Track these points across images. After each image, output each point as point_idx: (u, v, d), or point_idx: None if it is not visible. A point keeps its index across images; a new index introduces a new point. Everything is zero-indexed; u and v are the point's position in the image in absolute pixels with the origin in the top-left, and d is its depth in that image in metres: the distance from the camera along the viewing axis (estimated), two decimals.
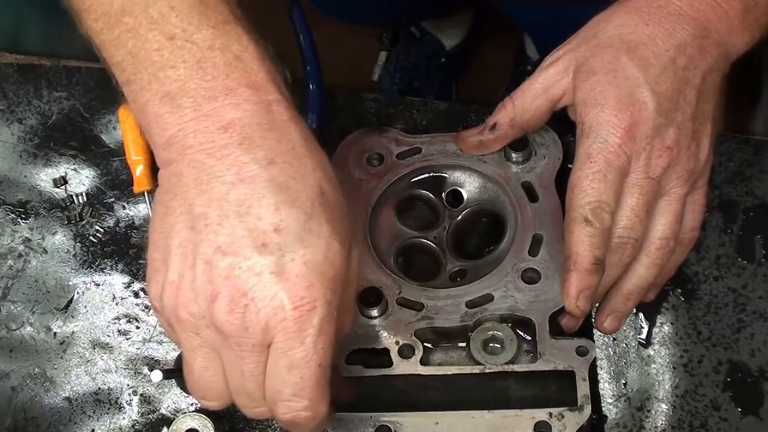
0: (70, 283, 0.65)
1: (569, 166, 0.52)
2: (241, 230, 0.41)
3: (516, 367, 0.54)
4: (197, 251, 0.42)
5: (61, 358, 0.63)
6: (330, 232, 0.42)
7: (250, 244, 0.41)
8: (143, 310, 0.64)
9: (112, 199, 0.67)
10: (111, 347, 0.63)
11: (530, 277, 0.56)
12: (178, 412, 0.61)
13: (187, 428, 0.58)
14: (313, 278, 0.41)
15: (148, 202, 0.66)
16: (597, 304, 0.56)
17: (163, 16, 0.43)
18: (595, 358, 0.57)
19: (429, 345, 0.56)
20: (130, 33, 0.43)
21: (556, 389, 0.54)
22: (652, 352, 0.60)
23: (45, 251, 0.66)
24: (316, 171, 0.43)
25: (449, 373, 0.55)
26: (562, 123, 0.56)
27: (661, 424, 0.59)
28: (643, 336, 0.61)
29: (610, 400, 0.59)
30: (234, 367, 0.43)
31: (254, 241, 0.41)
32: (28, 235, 0.66)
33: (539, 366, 0.54)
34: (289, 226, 0.41)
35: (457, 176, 0.62)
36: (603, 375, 0.60)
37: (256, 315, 0.41)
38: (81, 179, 0.68)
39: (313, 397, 0.43)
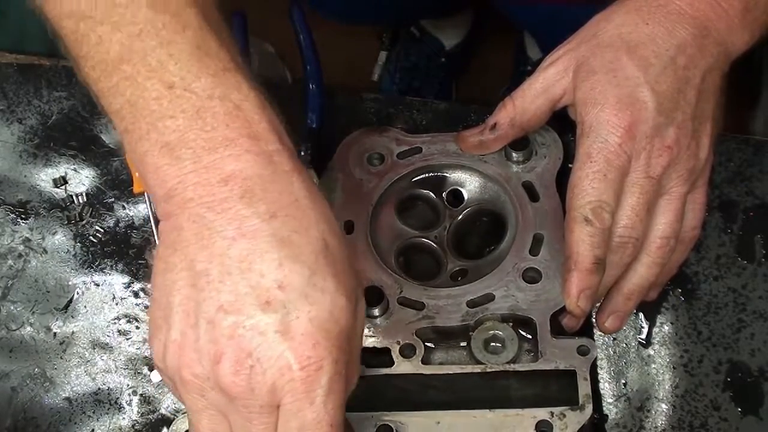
0: (70, 283, 0.65)
1: (570, 165, 0.52)
2: (243, 287, 0.40)
3: (517, 367, 0.54)
4: (200, 309, 0.40)
5: (61, 358, 0.63)
6: (335, 286, 0.41)
7: (253, 302, 0.39)
8: (143, 310, 0.64)
9: (112, 199, 0.67)
10: (111, 347, 0.63)
11: (531, 276, 0.56)
12: (178, 412, 0.61)
13: (187, 428, 0.58)
14: (319, 336, 0.40)
15: (148, 202, 0.66)
16: (598, 304, 0.56)
17: (161, 63, 0.42)
18: (596, 357, 0.57)
19: (430, 344, 0.56)
20: (128, 81, 0.42)
21: (557, 388, 0.54)
22: (652, 352, 0.60)
23: (45, 251, 0.66)
24: (320, 223, 0.42)
25: (450, 372, 0.55)
26: (563, 122, 0.56)
27: (661, 424, 0.59)
28: (643, 336, 0.61)
29: (610, 400, 0.59)
30: (242, 430, 0.41)
31: (258, 298, 0.39)
32: (28, 235, 0.66)
33: (540, 365, 0.54)
34: (293, 283, 0.40)
35: (457, 176, 0.62)
36: (603, 375, 0.60)
37: (263, 376, 0.39)
38: (81, 179, 0.68)
39: None
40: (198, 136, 0.41)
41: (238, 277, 0.40)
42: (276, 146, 0.42)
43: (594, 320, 0.58)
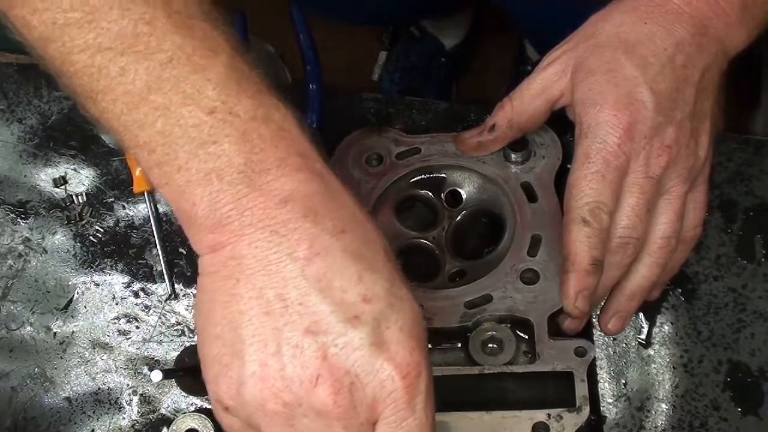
0: (70, 283, 0.65)
1: (568, 166, 0.52)
2: (327, 306, 0.39)
3: (514, 368, 0.54)
4: (281, 337, 0.39)
5: (61, 358, 0.63)
6: (407, 292, 0.41)
7: (340, 319, 0.39)
8: (143, 310, 0.64)
9: (112, 199, 0.67)
10: (111, 347, 0.63)
11: (529, 277, 0.56)
12: (178, 412, 0.61)
13: (187, 428, 0.58)
14: (413, 343, 0.40)
15: (148, 202, 0.66)
16: (600, 305, 0.56)
17: (198, 90, 0.40)
18: (595, 358, 0.57)
19: (428, 345, 0.56)
20: (158, 111, 0.40)
21: (554, 390, 0.54)
22: (652, 352, 0.60)
23: (45, 251, 0.66)
24: (378, 235, 0.42)
25: (448, 373, 0.55)
26: (562, 123, 0.56)
27: (661, 424, 0.59)
28: (643, 336, 0.61)
29: (610, 400, 0.59)
30: None
31: (344, 315, 0.39)
32: (28, 235, 0.66)
33: (538, 367, 0.54)
34: (377, 294, 0.39)
35: (456, 176, 0.62)
36: (603, 375, 0.60)
37: (363, 392, 0.39)
38: (81, 179, 0.68)
39: None
40: (248, 159, 0.39)
41: (319, 297, 0.39)
42: (321, 163, 0.42)
43: (594, 321, 0.58)
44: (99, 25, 0.39)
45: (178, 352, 0.62)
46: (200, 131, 0.39)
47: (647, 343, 0.60)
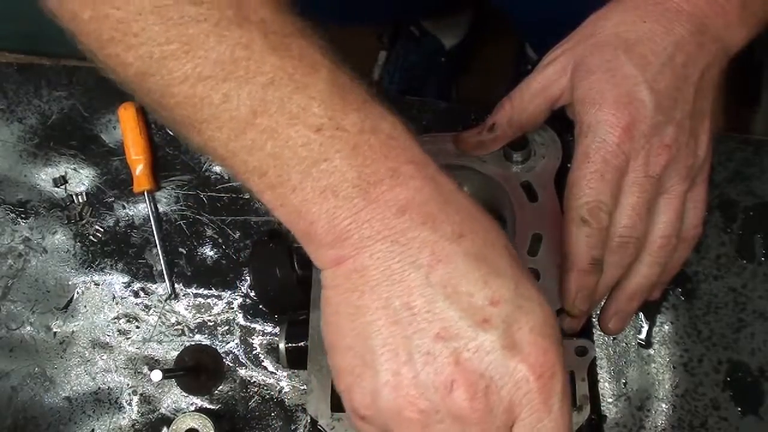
0: (70, 282, 0.65)
1: (568, 165, 0.52)
2: (455, 312, 0.38)
3: None
4: (411, 345, 0.39)
5: (61, 357, 0.63)
6: (536, 292, 0.41)
7: (470, 324, 0.38)
8: (143, 310, 0.64)
9: (112, 199, 0.67)
10: (111, 347, 0.63)
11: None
12: (178, 412, 0.61)
13: (187, 428, 0.58)
14: (546, 343, 0.39)
15: (148, 202, 0.66)
16: (600, 304, 0.56)
17: (303, 108, 0.39)
18: (595, 357, 0.57)
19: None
20: (266, 134, 0.39)
21: None
22: (652, 352, 0.60)
23: (45, 251, 0.66)
24: (499, 234, 0.41)
25: None
26: (562, 122, 0.56)
27: (661, 423, 0.59)
28: (643, 335, 0.61)
29: (610, 400, 0.59)
30: None
31: (474, 319, 0.38)
32: (28, 235, 0.66)
33: None
34: (504, 296, 0.39)
35: (457, 176, 0.61)
36: (603, 374, 0.60)
37: (499, 394, 0.38)
38: (81, 179, 0.68)
39: None
40: (360, 172, 0.39)
41: (446, 303, 0.38)
42: (433, 167, 0.41)
43: (594, 321, 0.58)
44: (197, 54, 0.39)
45: (178, 352, 0.63)
46: (310, 150, 0.39)
47: (647, 342, 0.60)
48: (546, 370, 0.39)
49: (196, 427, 0.58)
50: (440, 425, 0.39)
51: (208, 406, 0.62)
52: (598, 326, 0.58)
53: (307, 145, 0.39)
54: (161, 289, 0.64)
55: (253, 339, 0.63)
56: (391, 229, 0.39)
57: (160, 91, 0.40)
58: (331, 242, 0.40)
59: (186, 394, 0.62)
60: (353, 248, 0.39)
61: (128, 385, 0.62)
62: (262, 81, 0.39)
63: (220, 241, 0.65)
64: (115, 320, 0.64)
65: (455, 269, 0.39)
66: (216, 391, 0.62)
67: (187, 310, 0.64)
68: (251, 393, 0.62)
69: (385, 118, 0.41)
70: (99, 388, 0.62)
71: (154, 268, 0.65)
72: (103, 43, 0.40)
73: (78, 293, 0.65)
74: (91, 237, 0.66)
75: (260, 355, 0.63)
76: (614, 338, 0.60)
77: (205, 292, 0.64)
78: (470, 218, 0.41)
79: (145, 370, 0.63)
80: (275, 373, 0.62)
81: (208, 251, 0.65)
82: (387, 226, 0.39)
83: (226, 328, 0.63)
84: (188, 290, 0.64)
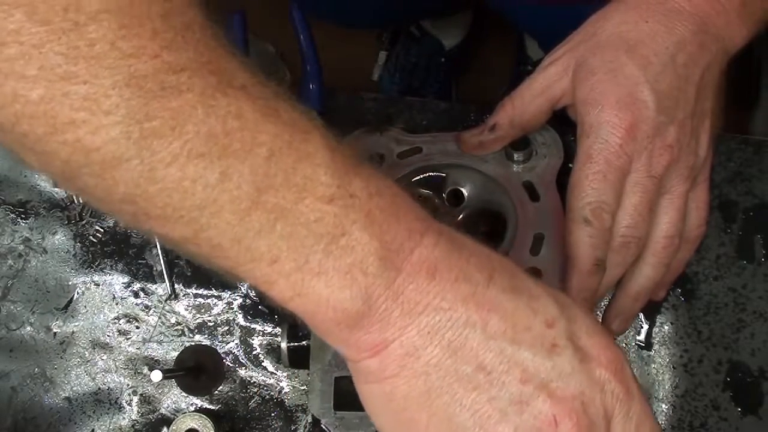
0: (70, 283, 0.65)
1: (570, 165, 0.52)
2: (526, 351, 0.37)
3: None
4: (499, 403, 0.37)
5: (61, 358, 0.63)
6: (562, 295, 0.40)
7: (544, 355, 0.38)
8: (143, 310, 0.64)
9: None
10: (111, 347, 0.63)
11: (532, 276, 0.56)
12: (178, 412, 0.61)
13: (187, 428, 0.58)
14: (602, 338, 0.39)
15: None
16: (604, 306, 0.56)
17: (310, 179, 0.35)
18: None
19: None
20: (274, 213, 0.34)
21: None
22: (652, 352, 0.60)
23: (45, 251, 0.66)
24: (505, 258, 0.41)
25: None
26: (564, 122, 0.56)
27: (661, 423, 0.59)
28: (643, 336, 0.61)
29: None
30: None
31: (544, 349, 0.38)
32: (28, 235, 0.66)
33: None
34: (553, 314, 0.39)
35: (457, 176, 0.62)
36: None
37: (594, 406, 0.38)
38: None
39: None
40: (381, 241, 0.36)
41: (514, 347, 0.37)
42: (430, 216, 0.39)
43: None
44: (184, 129, 0.33)
45: (178, 352, 0.62)
46: (325, 225, 0.35)
47: (647, 343, 0.60)
48: (617, 363, 0.39)
49: (196, 427, 0.58)
50: None
51: (208, 407, 0.62)
52: None
53: (322, 220, 0.35)
54: (161, 289, 0.64)
55: (253, 339, 0.63)
56: (428, 295, 0.36)
57: (137, 179, 0.33)
58: (367, 326, 0.36)
59: (186, 395, 0.62)
60: (396, 328, 0.36)
61: (128, 385, 0.62)
62: (261, 153, 0.34)
63: None
64: (115, 320, 0.64)
65: (504, 311, 0.38)
66: (216, 392, 0.62)
67: (187, 310, 0.64)
68: (251, 393, 0.62)
69: (379, 176, 0.38)
70: (99, 388, 0.62)
71: (154, 269, 0.65)
72: (58, 127, 0.32)
73: (78, 293, 0.65)
74: (91, 237, 0.66)
75: (260, 356, 0.63)
76: (614, 339, 0.60)
77: (205, 292, 0.64)
78: (482, 254, 0.39)
79: (145, 370, 0.62)
80: (275, 373, 0.62)
81: None
82: (424, 293, 0.36)
83: (226, 328, 0.63)
84: (188, 290, 0.64)
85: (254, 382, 0.62)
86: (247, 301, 0.64)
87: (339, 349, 0.38)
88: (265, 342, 0.63)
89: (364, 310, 0.36)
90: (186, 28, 0.33)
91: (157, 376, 0.54)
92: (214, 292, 0.64)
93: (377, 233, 0.36)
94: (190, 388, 0.62)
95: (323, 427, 0.51)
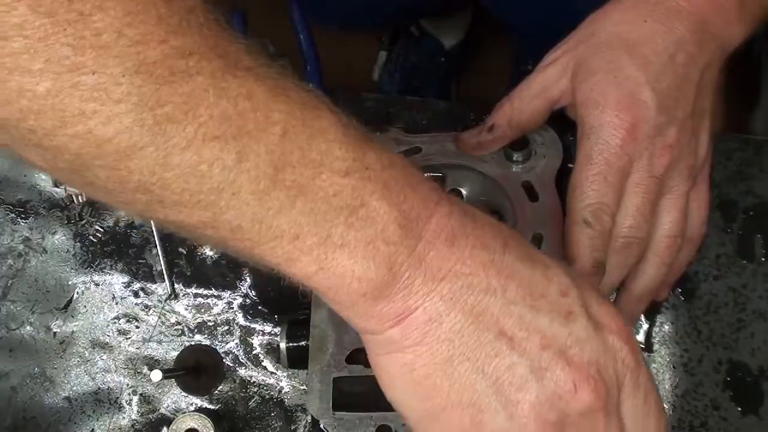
0: (70, 282, 0.65)
1: (570, 166, 0.52)
2: (544, 318, 0.38)
3: None
4: (521, 369, 0.37)
5: (61, 357, 0.63)
6: (569, 267, 0.41)
7: (561, 322, 0.38)
8: (143, 310, 0.64)
9: None
10: (111, 347, 0.63)
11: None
12: (178, 412, 0.61)
13: (187, 428, 0.58)
14: (611, 308, 0.40)
15: None
16: None
17: (325, 153, 0.35)
18: None
19: None
20: (293, 190, 0.34)
21: None
22: (652, 353, 0.60)
23: (45, 251, 0.66)
24: (513, 228, 0.41)
25: None
26: (563, 122, 0.56)
27: None
28: (643, 336, 0.61)
29: None
30: None
31: (561, 316, 0.38)
32: (27, 235, 0.66)
33: None
34: (566, 283, 0.39)
35: (456, 176, 0.62)
36: None
37: (608, 373, 0.39)
38: None
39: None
40: (399, 210, 0.36)
41: (532, 313, 0.38)
42: (435, 184, 0.39)
43: None
44: (198, 113, 0.33)
45: (178, 352, 0.62)
46: (344, 198, 0.35)
47: (647, 345, 0.60)
48: (627, 331, 0.40)
49: (196, 427, 0.58)
50: (572, 428, 0.38)
51: (208, 406, 0.62)
52: None
53: (340, 193, 0.35)
54: (161, 289, 0.64)
55: (253, 339, 0.63)
56: (449, 262, 0.37)
57: (152, 166, 0.33)
58: (390, 296, 0.36)
59: (186, 394, 0.62)
60: (419, 296, 0.36)
61: (128, 385, 0.62)
62: (275, 131, 0.34)
63: None
64: (115, 320, 0.64)
65: (522, 278, 0.38)
66: (216, 391, 0.62)
67: (187, 310, 0.64)
68: (251, 393, 0.62)
69: (389, 149, 0.38)
70: (99, 388, 0.62)
71: (154, 268, 0.65)
72: (67, 120, 0.32)
73: (78, 293, 0.65)
74: (90, 237, 0.66)
75: (260, 355, 0.63)
76: None
77: (205, 292, 0.64)
78: (493, 224, 0.40)
79: (145, 370, 0.62)
80: (275, 373, 0.62)
81: (208, 251, 0.65)
82: (445, 260, 0.37)
83: (226, 328, 0.63)
84: (188, 290, 0.64)
85: (254, 381, 0.62)
86: (247, 300, 0.64)
87: (359, 323, 0.37)
88: (264, 342, 0.63)
89: (388, 279, 0.36)
90: (189, 13, 0.33)
91: (157, 375, 0.54)
92: (213, 291, 0.64)
93: (395, 202, 0.36)
94: (189, 388, 0.62)
95: (322, 427, 0.51)
